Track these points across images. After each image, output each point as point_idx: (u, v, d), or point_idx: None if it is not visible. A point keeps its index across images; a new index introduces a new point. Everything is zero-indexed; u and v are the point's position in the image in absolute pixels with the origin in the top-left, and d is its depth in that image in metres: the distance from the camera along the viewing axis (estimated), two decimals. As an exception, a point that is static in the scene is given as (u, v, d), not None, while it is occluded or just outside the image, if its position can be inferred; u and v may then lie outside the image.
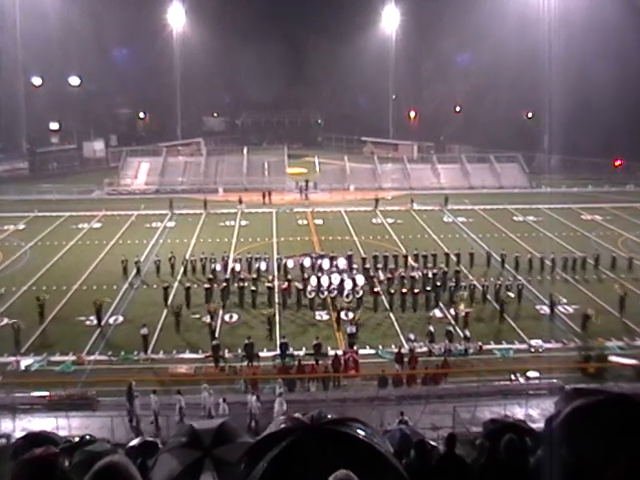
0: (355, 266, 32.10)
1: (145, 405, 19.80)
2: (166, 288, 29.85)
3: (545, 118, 68.05)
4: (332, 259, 32.60)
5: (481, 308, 29.29)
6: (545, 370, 22.84)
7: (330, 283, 29.78)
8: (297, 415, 1.98)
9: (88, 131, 73.58)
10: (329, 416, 1.89)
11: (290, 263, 32.35)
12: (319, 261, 32.47)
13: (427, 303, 29.19)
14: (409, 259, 33.51)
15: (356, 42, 78.46)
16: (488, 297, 29.89)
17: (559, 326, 27.22)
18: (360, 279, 30.05)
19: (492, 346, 25.34)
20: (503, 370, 23.17)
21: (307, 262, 32.57)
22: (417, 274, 31.33)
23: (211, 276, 31.30)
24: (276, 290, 30.16)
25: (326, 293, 29.44)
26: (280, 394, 19.81)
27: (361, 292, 29.30)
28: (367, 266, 32.21)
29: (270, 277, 30.78)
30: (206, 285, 30.06)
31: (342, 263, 31.68)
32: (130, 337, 25.61)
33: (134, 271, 33.55)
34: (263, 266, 32.44)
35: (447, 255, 34.23)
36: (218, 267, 32.02)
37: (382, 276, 31.13)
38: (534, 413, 19.89)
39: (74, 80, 73.41)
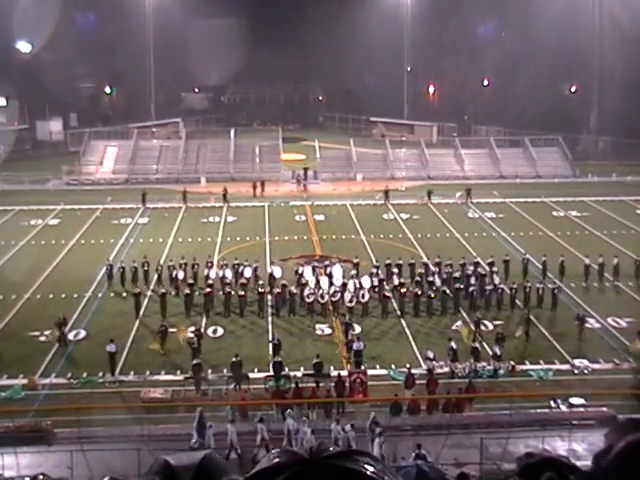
0: (353, 273, 32.20)
1: (218, 436, 19.67)
2: (137, 295, 29.89)
3: (592, 92, 68.09)
4: (315, 269, 32.82)
5: (509, 316, 29.34)
6: (592, 396, 22.79)
7: (331, 283, 30.22)
8: (293, 448, 1.94)
9: (42, 108, 73.56)
10: (331, 449, 1.86)
11: (277, 271, 32.39)
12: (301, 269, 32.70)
13: (443, 306, 29.63)
14: (430, 266, 33.36)
15: (365, 3, 78.52)
16: (517, 302, 30.12)
17: (610, 343, 27.18)
18: (366, 281, 30.49)
19: (527, 366, 25.29)
20: (541, 395, 23.13)
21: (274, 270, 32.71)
22: (434, 278, 31.66)
23: (191, 281, 31.36)
24: (269, 297, 30.44)
25: (327, 297, 29.77)
26: (380, 433, 19.01)
27: (367, 296, 29.60)
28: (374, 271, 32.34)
29: (260, 282, 30.85)
30: (186, 291, 30.12)
31: (337, 272, 31.83)
32: (94, 355, 25.56)
33: (100, 276, 33.64)
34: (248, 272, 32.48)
35: (476, 265, 33.55)
36: (207, 272, 32.10)
37: (396, 281, 31.18)
38: (579, 448, 19.82)
39: (24, 46, 73.17)
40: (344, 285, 30.18)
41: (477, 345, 25.47)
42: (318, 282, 30.50)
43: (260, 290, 29.98)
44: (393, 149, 63.69)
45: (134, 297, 29.81)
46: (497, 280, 31.49)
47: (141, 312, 29.63)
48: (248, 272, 32.32)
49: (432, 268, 32.93)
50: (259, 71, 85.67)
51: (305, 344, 27.05)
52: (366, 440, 19.52)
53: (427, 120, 77.04)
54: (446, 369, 24.45)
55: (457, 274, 31.84)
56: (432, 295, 29.79)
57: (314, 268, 32.88)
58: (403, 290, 29.94)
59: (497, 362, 24.78)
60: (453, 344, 25.04)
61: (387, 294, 30.04)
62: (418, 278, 31.30)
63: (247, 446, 19.77)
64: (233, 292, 30.16)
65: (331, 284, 30.38)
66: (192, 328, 26.95)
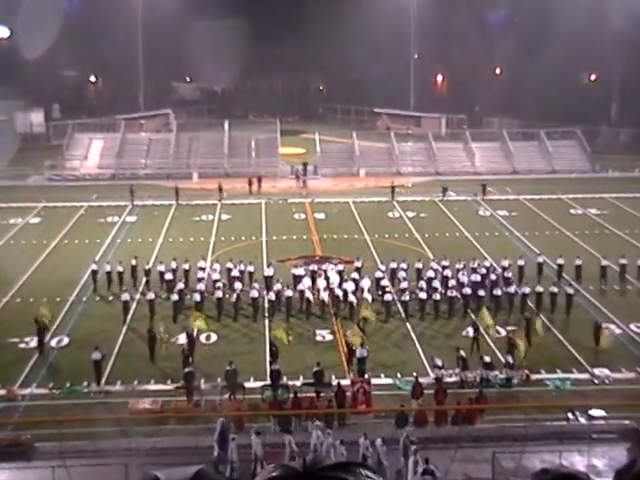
0: (354, 276, 32.36)
1: (240, 448, 19.55)
2: (125, 298, 29.88)
3: (613, 81, 67.99)
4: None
5: (520, 320, 29.39)
6: (614, 407, 22.74)
7: (330, 286, 30.65)
8: (288, 463, 1.93)
9: (22, 98, 73.51)
10: (328, 462, 1.83)
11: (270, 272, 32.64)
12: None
13: (451, 309, 29.99)
14: (439, 269, 33.44)
15: (368, -14, 78.45)
16: (526, 303, 30.29)
17: (632, 351, 27.14)
18: (367, 283, 31.04)
19: (543, 375, 25.28)
20: (558, 407, 23.10)
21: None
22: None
23: (182, 285, 31.38)
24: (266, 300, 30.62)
25: (327, 300, 30.15)
26: (415, 451, 18.42)
27: (370, 298, 29.94)
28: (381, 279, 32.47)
29: (255, 284, 30.93)
30: (174, 297, 30.09)
31: (335, 275, 32.12)
32: (78, 363, 25.55)
33: (85, 279, 33.69)
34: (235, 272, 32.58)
35: (487, 270, 33.30)
36: (199, 274, 32.13)
37: (402, 285, 31.30)
38: (599, 463, 19.81)
39: (2, 31, 73.20)
40: (345, 289, 30.55)
41: (489, 359, 25.38)
42: (316, 284, 31.02)
43: (255, 293, 30.07)
44: (398, 142, 63.64)
45: (122, 301, 29.84)
46: (512, 284, 31.62)
47: (128, 317, 29.62)
48: (237, 273, 32.41)
49: (438, 268, 32.99)
50: (255, 59, 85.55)
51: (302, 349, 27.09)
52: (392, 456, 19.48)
53: (435, 111, 76.95)
54: (455, 378, 24.41)
55: (465, 276, 31.97)
56: (437, 298, 30.06)
57: (312, 270, 33.04)
58: (406, 298, 30.11)
59: (510, 370, 24.74)
60: (462, 352, 25.04)
61: (391, 298, 30.29)
62: (423, 284, 31.25)
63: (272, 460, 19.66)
64: (227, 295, 30.20)
65: (330, 287, 30.77)
66: (183, 334, 26.97)
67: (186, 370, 23.92)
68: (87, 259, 35.46)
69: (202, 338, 27.95)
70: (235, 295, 30.01)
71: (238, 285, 30.92)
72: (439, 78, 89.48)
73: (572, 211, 47.79)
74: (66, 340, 28.00)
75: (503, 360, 25.37)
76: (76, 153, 61.44)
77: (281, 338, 25.67)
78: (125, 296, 30.09)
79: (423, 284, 31.06)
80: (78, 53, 76.02)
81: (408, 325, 29.31)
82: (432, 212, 47.49)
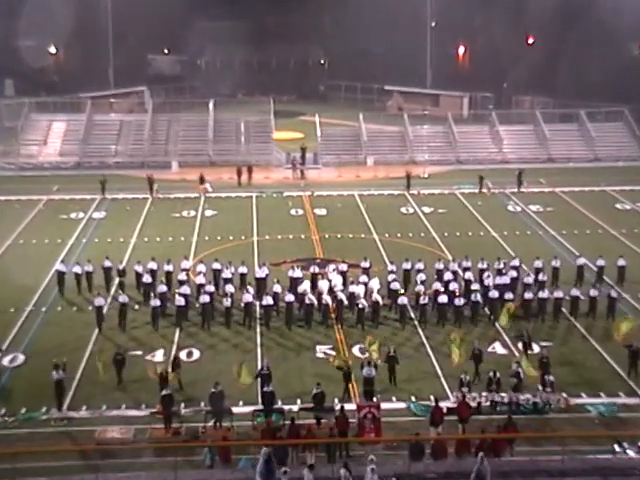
0: (363, 279, 32.64)
1: None
2: (98, 306, 29.87)
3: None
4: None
5: (552, 328, 29.73)
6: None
7: (331, 286, 31.17)
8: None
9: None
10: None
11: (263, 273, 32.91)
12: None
13: (474, 315, 30.49)
14: (459, 272, 33.60)
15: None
16: (560, 310, 30.66)
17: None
18: (376, 285, 31.35)
19: (584, 399, 25.23)
20: (601, 437, 23.04)
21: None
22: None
23: (165, 288, 31.38)
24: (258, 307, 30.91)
25: (330, 304, 30.54)
26: None
27: (379, 299, 30.52)
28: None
29: (248, 289, 31.05)
30: (154, 302, 30.12)
31: (337, 279, 32.43)
32: (35, 386, 25.45)
33: (45, 284, 33.62)
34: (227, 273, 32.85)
35: (517, 270, 33.47)
36: (181, 277, 32.40)
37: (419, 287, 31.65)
38: (652, 504, 19.78)
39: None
40: (351, 292, 30.98)
41: (520, 370, 25.36)
42: (317, 288, 31.50)
43: (249, 297, 30.24)
44: (413, 126, 63.70)
45: (95, 306, 29.89)
46: (545, 288, 31.75)
47: (95, 333, 29.58)
48: (228, 275, 32.63)
49: (458, 270, 33.29)
50: (245, 27, 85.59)
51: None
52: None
53: (456, 89, 76.98)
54: (481, 399, 24.39)
55: (491, 278, 32.19)
56: (460, 303, 30.49)
57: (313, 273, 33.26)
58: (425, 301, 30.51)
59: (545, 394, 24.71)
60: (491, 373, 24.99)
61: (406, 301, 30.73)
62: (439, 285, 31.50)
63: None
64: (212, 302, 30.31)
65: (333, 289, 31.19)
66: (160, 354, 26.93)
67: (163, 392, 23.83)
68: (47, 261, 35.47)
69: (182, 354, 27.89)
70: (229, 299, 30.16)
71: (230, 288, 31.00)
72: (460, 50, 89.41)
73: (618, 206, 47.87)
74: (21, 358, 27.89)
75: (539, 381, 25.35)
76: (33, 137, 61.47)
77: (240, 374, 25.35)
78: (99, 301, 30.09)
79: (439, 286, 31.34)
80: (36, 19, 75.79)
81: (422, 336, 29.48)
82: (452, 207, 47.51)
